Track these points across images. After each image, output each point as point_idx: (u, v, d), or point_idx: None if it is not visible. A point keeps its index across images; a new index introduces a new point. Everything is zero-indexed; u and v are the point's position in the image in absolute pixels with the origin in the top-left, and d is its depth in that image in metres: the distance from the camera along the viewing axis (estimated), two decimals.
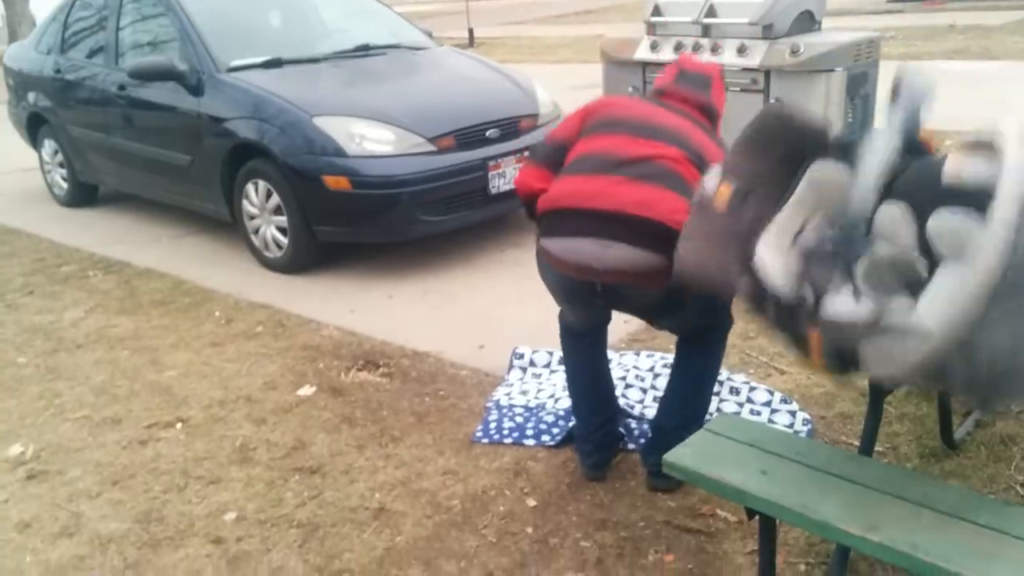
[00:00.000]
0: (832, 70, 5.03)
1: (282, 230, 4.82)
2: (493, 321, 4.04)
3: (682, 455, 2.04)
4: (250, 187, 4.89)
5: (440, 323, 4.09)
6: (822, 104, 5.09)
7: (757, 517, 2.02)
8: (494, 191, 4.80)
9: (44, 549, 2.61)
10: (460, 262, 4.89)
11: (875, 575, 2.23)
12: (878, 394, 2.28)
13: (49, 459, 3.11)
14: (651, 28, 5.73)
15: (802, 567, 2.29)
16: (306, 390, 3.49)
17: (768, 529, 2.06)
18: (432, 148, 4.64)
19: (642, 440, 2.88)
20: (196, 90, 5.09)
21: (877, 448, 2.40)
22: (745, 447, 2.05)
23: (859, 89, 5.26)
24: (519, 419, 3.11)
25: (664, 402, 2.70)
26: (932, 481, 1.89)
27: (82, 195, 6.71)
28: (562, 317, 2.77)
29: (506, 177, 4.83)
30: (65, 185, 6.73)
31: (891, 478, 1.88)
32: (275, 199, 4.75)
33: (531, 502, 2.67)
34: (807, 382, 3.21)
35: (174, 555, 2.54)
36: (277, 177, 4.70)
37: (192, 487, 2.88)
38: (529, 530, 2.54)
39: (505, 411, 3.18)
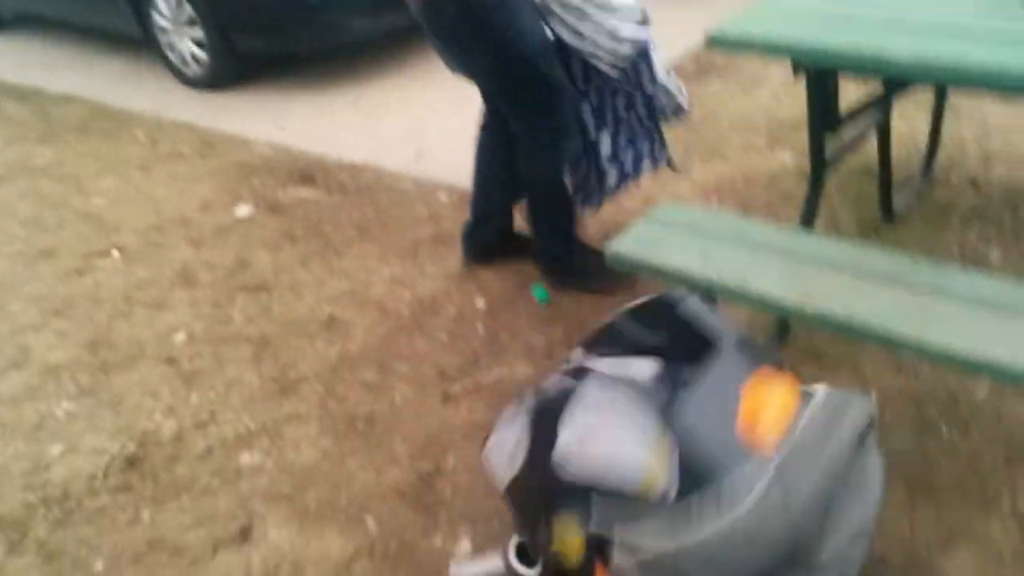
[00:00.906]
0: None
1: (199, 44, 4.54)
2: (428, 129, 3.93)
3: (623, 244, 2.04)
4: None
5: (375, 134, 3.97)
6: None
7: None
8: None
9: None
10: (391, 71, 4.70)
11: (812, 341, 2.31)
12: (820, 169, 2.31)
13: None
14: None
15: None
16: (243, 209, 3.41)
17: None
18: None
19: None
20: None
21: (817, 224, 2.44)
22: (684, 231, 2.06)
23: None
24: None
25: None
26: (869, 250, 1.92)
27: None
28: None
29: None
30: None
31: (828, 249, 1.92)
32: (188, 10, 4.44)
33: (480, 304, 2.70)
34: (749, 165, 3.22)
35: (128, 377, 2.54)
36: None
37: (137, 312, 2.85)
38: (479, 330, 2.59)
39: None
